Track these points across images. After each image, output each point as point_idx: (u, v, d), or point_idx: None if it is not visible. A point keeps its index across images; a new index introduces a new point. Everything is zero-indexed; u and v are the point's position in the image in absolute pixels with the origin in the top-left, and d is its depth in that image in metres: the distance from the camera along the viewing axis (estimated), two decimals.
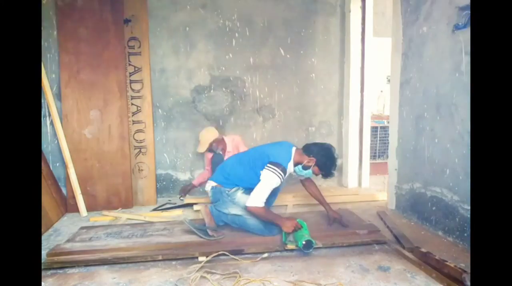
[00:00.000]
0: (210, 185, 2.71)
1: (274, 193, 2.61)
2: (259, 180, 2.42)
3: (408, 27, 2.89)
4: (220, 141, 3.37)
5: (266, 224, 2.45)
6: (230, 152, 3.39)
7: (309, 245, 2.18)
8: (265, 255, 2.25)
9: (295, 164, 2.52)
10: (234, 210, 2.55)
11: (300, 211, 3.16)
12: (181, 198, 3.48)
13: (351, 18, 3.85)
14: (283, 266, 2.11)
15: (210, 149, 3.33)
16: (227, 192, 2.60)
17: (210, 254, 2.23)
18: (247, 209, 2.42)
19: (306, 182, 2.81)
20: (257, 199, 2.36)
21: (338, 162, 4.08)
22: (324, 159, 2.46)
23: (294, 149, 2.56)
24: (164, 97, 3.70)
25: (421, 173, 2.77)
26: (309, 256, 2.23)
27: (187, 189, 3.46)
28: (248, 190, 2.50)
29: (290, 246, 2.27)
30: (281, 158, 2.46)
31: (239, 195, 2.57)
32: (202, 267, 2.09)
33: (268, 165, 2.41)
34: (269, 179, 2.38)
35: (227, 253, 2.21)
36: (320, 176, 2.54)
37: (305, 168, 2.49)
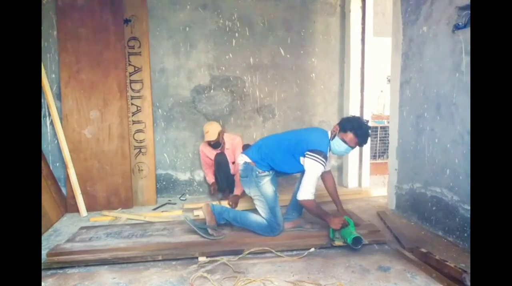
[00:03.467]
0: (243, 159, 2.59)
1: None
2: (295, 166, 2.44)
3: (408, 27, 2.89)
4: (223, 133, 3.41)
5: (268, 224, 2.45)
6: (228, 149, 3.40)
7: (358, 241, 2.21)
8: (312, 249, 2.29)
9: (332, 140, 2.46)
10: (254, 192, 2.52)
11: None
12: (181, 198, 3.47)
13: (351, 18, 3.85)
14: (283, 266, 2.11)
15: (216, 142, 3.31)
16: (257, 172, 2.51)
17: (210, 254, 2.23)
18: (299, 203, 2.41)
19: (326, 176, 2.74)
20: (307, 191, 2.34)
21: (337, 161, 4.10)
22: (346, 121, 2.40)
23: (329, 132, 2.52)
24: (164, 97, 3.70)
25: (421, 173, 2.76)
26: (309, 256, 2.23)
27: (214, 188, 3.47)
28: (279, 175, 2.56)
29: (337, 243, 2.31)
30: (321, 145, 2.41)
31: (266, 182, 2.51)
32: (202, 267, 2.09)
33: (309, 153, 2.35)
34: (313, 168, 2.33)
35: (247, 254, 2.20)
36: (354, 143, 2.42)
37: (333, 137, 2.42)
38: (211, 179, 3.51)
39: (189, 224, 2.48)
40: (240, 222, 2.55)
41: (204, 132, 3.35)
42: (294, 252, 2.29)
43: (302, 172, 2.45)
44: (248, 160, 2.55)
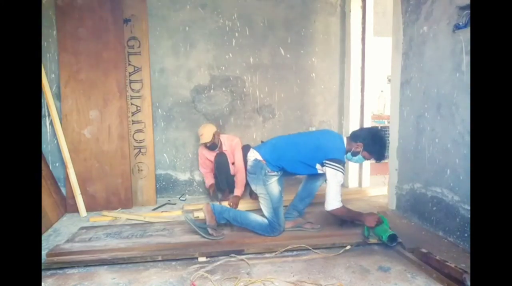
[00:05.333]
0: (254, 156, 2.55)
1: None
2: (308, 170, 2.48)
3: (408, 27, 2.88)
4: (219, 134, 3.40)
5: (268, 224, 2.45)
6: (227, 150, 3.40)
7: (393, 238, 2.25)
8: (348, 247, 2.31)
9: (348, 152, 2.49)
10: (260, 190, 2.52)
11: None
12: (181, 199, 3.47)
13: (352, 17, 3.84)
14: (283, 266, 2.10)
15: (212, 143, 3.30)
16: (267, 171, 2.49)
17: (210, 255, 2.23)
18: (329, 213, 2.43)
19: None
20: (334, 201, 2.37)
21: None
22: (372, 142, 2.41)
23: (344, 139, 2.53)
24: (164, 97, 3.69)
25: (422, 173, 2.76)
26: (309, 256, 2.23)
27: (213, 190, 3.46)
28: (286, 175, 2.58)
29: (372, 240, 2.35)
30: (338, 153, 2.44)
31: (273, 182, 2.51)
32: (202, 267, 2.09)
33: (329, 162, 2.37)
34: (336, 178, 2.36)
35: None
36: (373, 160, 2.51)
37: (354, 154, 2.46)
38: (209, 181, 3.50)
39: (190, 223, 2.49)
40: (240, 222, 2.54)
41: (199, 135, 3.34)
42: (294, 253, 2.28)
43: (313, 174, 2.53)
44: (259, 157, 2.51)
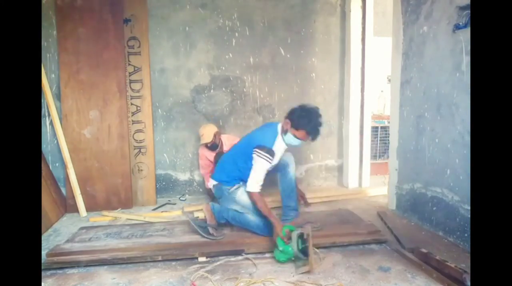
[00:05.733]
0: (211, 183, 2.71)
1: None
2: None
3: (408, 27, 2.88)
4: (219, 134, 3.42)
5: (266, 224, 2.45)
6: (227, 150, 3.38)
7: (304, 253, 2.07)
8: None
9: (284, 134, 2.46)
10: (235, 207, 2.57)
11: (301, 211, 3.14)
12: (181, 198, 3.47)
13: (352, 17, 3.84)
14: (283, 266, 2.10)
15: (213, 143, 3.31)
16: (228, 190, 2.59)
17: (209, 255, 2.23)
18: (248, 195, 2.44)
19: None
20: (253, 184, 2.38)
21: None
22: (297, 117, 2.35)
23: (279, 124, 2.52)
24: (164, 97, 3.69)
25: (422, 173, 2.76)
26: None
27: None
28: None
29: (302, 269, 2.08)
30: (266, 140, 2.43)
31: (239, 194, 2.56)
32: (202, 267, 2.09)
33: (255, 149, 2.40)
34: (258, 164, 2.39)
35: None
36: (308, 138, 2.43)
37: (285, 133, 2.43)
38: (210, 183, 3.49)
39: (191, 222, 2.50)
40: (238, 221, 2.55)
41: (199, 135, 3.35)
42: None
43: (280, 169, 2.58)
44: (215, 182, 2.65)
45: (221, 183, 2.62)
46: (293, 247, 2.11)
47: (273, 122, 2.64)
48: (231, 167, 2.59)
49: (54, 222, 2.96)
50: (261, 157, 2.37)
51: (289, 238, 2.16)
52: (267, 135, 2.47)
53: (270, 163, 2.40)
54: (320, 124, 2.41)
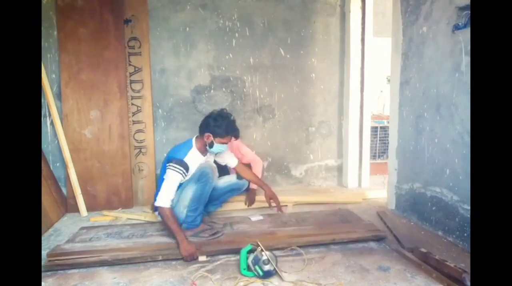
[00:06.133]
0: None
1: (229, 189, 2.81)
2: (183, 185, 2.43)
3: (408, 27, 2.89)
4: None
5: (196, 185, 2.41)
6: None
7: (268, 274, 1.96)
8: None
9: (207, 146, 2.49)
10: (185, 202, 2.44)
11: (301, 211, 3.15)
12: None
13: (351, 18, 3.85)
14: (283, 266, 2.11)
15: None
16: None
17: (209, 254, 2.23)
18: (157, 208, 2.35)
19: (237, 169, 2.83)
20: (162, 198, 2.30)
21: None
22: (216, 126, 2.43)
23: (194, 138, 2.57)
24: (164, 97, 3.70)
25: (421, 173, 2.77)
26: (309, 255, 2.23)
27: None
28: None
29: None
30: (178, 153, 2.46)
31: (179, 194, 2.45)
32: (202, 266, 2.09)
33: (167, 164, 2.41)
34: (169, 176, 2.36)
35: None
36: (233, 139, 2.55)
37: (211, 145, 2.47)
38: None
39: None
40: (192, 206, 2.44)
41: None
42: (294, 252, 2.29)
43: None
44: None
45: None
46: (256, 270, 1.95)
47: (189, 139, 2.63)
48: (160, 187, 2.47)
49: (54, 222, 2.96)
50: (172, 169, 2.35)
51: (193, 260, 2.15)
52: (180, 150, 2.49)
53: (182, 174, 2.36)
54: (235, 122, 2.55)
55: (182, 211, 2.44)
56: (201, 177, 2.42)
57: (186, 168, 2.39)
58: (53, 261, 2.15)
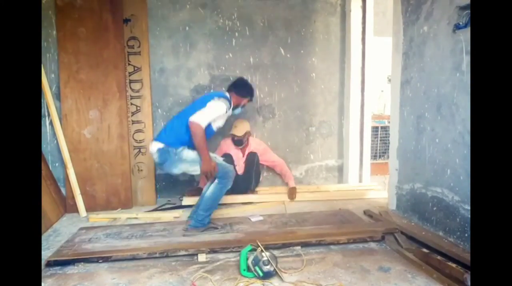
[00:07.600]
0: (156, 146, 2.56)
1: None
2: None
3: (408, 27, 2.88)
4: (249, 134, 3.56)
5: (222, 179, 2.52)
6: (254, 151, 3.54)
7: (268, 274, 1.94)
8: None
9: (231, 107, 2.74)
10: (184, 167, 2.55)
11: (299, 211, 3.15)
12: (180, 198, 3.47)
13: (352, 17, 3.84)
14: (283, 266, 2.10)
15: (240, 139, 3.42)
16: (174, 150, 2.52)
17: (209, 252, 2.23)
18: (188, 122, 2.45)
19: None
20: (199, 117, 2.45)
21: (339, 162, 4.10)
22: (242, 89, 2.82)
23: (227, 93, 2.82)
24: (164, 97, 3.69)
25: (422, 173, 2.76)
26: (309, 256, 2.23)
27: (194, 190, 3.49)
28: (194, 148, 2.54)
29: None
30: (217, 93, 2.72)
31: (186, 152, 2.54)
32: (202, 267, 2.09)
33: (214, 98, 2.59)
34: (215, 104, 2.53)
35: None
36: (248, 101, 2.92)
37: (236, 107, 2.83)
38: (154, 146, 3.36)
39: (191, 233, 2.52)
40: (207, 204, 2.55)
41: (232, 126, 3.43)
42: (294, 252, 2.28)
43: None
44: (161, 145, 2.55)
45: (168, 145, 2.52)
46: (256, 271, 1.94)
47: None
48: (182, 130, 2.54)
49: (54, 222, 2.95)
50: (220, 101, 2.54)
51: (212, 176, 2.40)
52: (225, 94, 2.73)
53: (226, 110, 2.57)
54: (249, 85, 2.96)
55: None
56: (225, 175, 2.52)
57: (229, 106, 2.64)
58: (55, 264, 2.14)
